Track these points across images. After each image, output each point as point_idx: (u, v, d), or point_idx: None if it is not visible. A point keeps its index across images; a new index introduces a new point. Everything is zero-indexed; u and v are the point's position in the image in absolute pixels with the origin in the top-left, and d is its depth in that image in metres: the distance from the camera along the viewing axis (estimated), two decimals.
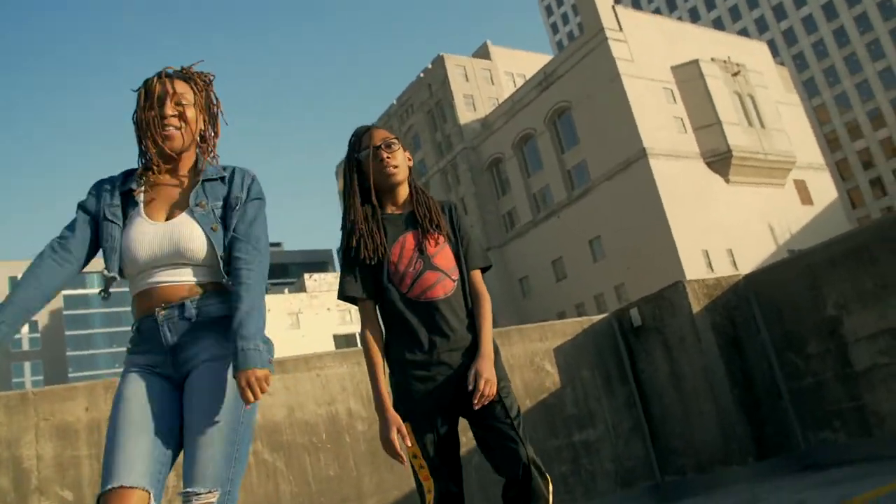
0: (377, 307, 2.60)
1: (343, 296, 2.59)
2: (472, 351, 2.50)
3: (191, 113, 2.46)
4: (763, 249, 52.40)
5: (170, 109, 2.42)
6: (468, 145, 63.25)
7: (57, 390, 4.05)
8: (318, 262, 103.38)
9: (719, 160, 52.88)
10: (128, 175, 2.46)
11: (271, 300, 51.23)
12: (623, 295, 50.30)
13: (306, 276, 56.79)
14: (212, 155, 2.53)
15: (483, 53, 69.45)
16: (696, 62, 54.04)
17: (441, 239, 2.60)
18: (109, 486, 2.04)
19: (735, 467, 5.13)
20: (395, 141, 2.66)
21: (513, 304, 58.76)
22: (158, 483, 2.14)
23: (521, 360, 5.40)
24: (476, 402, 2.36)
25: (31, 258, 2.33)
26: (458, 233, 2.66)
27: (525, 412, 3.88)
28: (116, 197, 2.39)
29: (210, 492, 2.11)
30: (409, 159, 2.73)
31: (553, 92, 56.19)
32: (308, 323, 50.53)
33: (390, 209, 2.67)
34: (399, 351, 2.52)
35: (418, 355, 2.48)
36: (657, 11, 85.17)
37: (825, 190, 60.60)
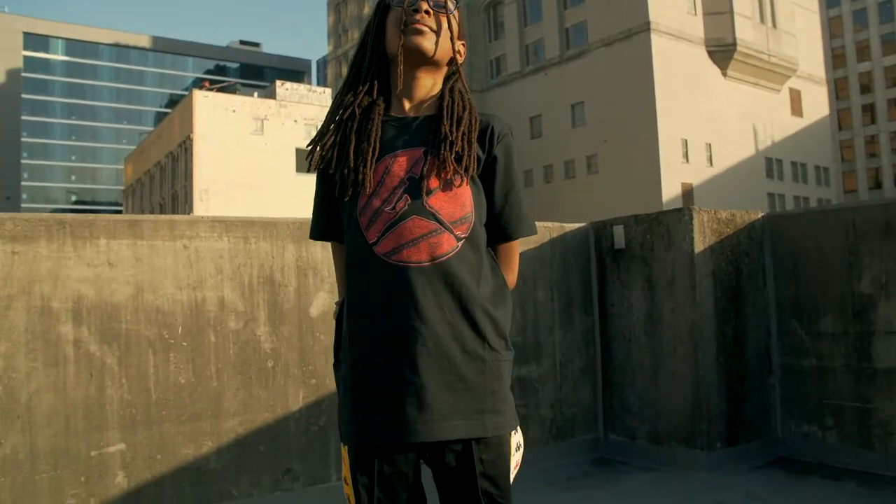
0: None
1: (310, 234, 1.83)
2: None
3: None
4: (742, 151, 51.56)
5: None
6: None
7: None
8: (294, 71, 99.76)
9: (722, 51, 50.86)
10: None
11: (238, 101, 48.98)
12: (593, 166, 49.34)
13: (278, 83, 54.04)
14: None
15: None
16: None
17: (459, 175, 1.59)
18: None
19: (698, 451, 4.13)
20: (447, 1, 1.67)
21: None
22: None
23: None
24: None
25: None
26: (496, 174, 1.66)
27: None
28: None
29: None
30: (463, 46, 1.73)
31: None
32: (273, 131, 48.58)
33: (400, 108, 1.69)
34: (352, 342, 1.62)
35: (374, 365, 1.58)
36: None
37: (818, 105, 59.14)
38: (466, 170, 1.56)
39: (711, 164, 49.40)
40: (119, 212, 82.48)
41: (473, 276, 1.57)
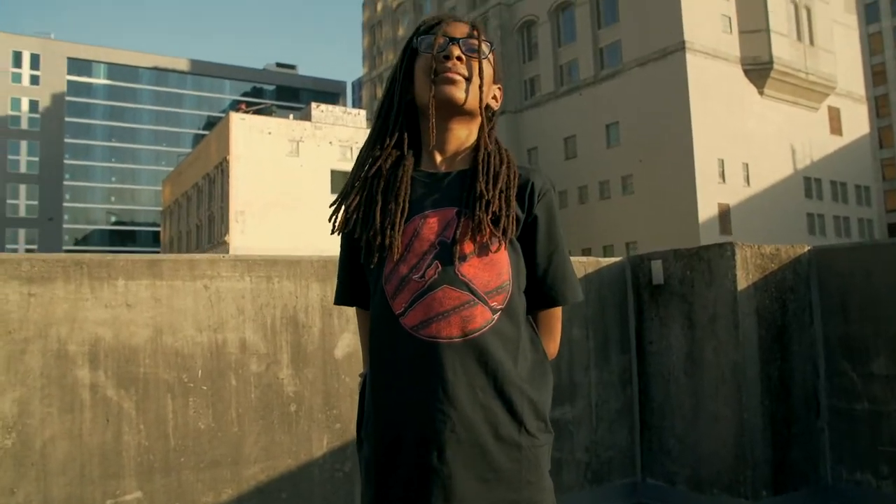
0: None
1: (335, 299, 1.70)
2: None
3: None
4: (780, 170, 50.80)
5: None
6: (503, 1, 59.65)
7: None
8: (329, 93, 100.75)
9: (758, 70, 50.29)
10: None
11: (274, 123, 49.48)
12: (629, 187, 48.91)
13: (314, 105, 54.59)
14: None
15: None
16: None
17: (496, 238, 1.43)
18: None
19: (742, 501, 3.91)
20: (483, 43, 1.53)
21: None
22: None
23: None
24: None
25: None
26: (538, 235, 1.50)
27: None
28: None
29: None
30: (499, 90, 1.63)
31: None
32: (308, 153, 49.03)
33: (431, 162, 1.54)
34: (376, 415, 1.50)
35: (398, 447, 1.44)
36: None
37: (858, 122, 58.16)
38: (504, 232, 1.41)
39: (748, 184, 48.74)
40: (157, 233, 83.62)
41: (510, 353, 1.41)
